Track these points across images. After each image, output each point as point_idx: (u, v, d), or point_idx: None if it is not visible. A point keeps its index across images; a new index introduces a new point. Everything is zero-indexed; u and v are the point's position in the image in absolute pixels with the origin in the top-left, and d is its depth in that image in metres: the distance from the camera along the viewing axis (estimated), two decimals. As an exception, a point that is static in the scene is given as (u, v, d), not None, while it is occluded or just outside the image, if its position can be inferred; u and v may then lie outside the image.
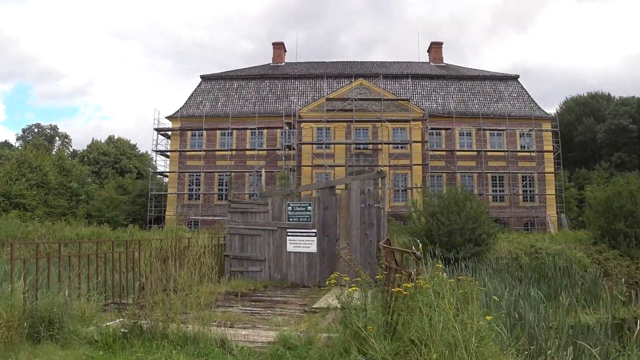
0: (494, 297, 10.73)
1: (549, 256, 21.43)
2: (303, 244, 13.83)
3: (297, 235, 13.89)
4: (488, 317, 5.55)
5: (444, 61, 48.11)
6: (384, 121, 38.16)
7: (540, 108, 42.24)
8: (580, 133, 61.67)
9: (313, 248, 13.74)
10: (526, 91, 43.16)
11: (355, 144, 38.29)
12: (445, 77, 43.65)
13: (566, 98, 66.95)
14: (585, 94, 65.20)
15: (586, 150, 62.79)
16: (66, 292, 8.25)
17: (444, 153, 40.14)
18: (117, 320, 8.43)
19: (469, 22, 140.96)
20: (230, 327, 8.30)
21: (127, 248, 10.60)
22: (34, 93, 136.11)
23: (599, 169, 54.82)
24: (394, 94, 40.65)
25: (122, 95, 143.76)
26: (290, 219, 13.98)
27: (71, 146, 73.15)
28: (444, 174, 39.83)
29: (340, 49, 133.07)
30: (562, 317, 12.03)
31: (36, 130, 73.00)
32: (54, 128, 73.74)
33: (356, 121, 38.39)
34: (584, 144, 62.07)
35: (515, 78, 43.85)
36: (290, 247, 13.93)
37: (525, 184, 40.66)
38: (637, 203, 22.86)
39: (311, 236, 13.77)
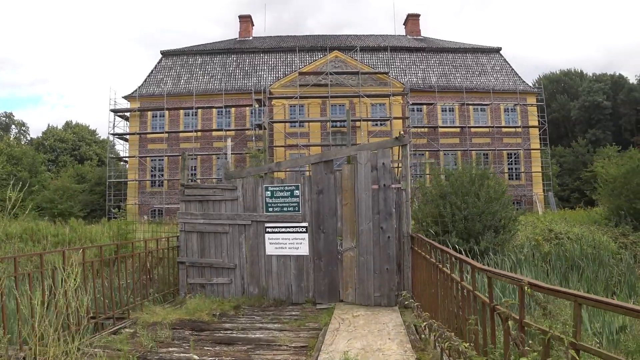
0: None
1: (570, 241, 17.48)
2: (289, 244, 9.30)
3: (280, 232, 9.34)
4: None
5: (422, 34, 43.73)
6: (361, 96, 33.71)
7: (524, 82, 38.41)
8: (554, 110, 58.57)
9: (304, 249, 9.22)
10: (509, 64, 39.23)
11: (332, 121, 33.73)
12: (425, 49, 39.30)
13: (539, 76, 63.73)
14: (558, 72, 62.00)
15: (559, 127, 59.92)
16: None
17: (426, 130, 35.97)
18: None
19: (436, 5, 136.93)
20: None
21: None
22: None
23: (576, 146, 52.08)
24: (371, 68, 36.16)
25: (84, 84, 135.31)
26: (270, 209, 9.42)
27: (29, 134, 66.61)
28: (427, 152, 35.70)
29: (308, 32, 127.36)
30: None
31: (-11, 117, 66.12)
32: (9, 116, 66.94)
33: (332, 97, 33.80)
34: (557, 121, 59.07)
35: (497, 50, 39.82)
36: (270, 249, 9.38)
37: (511, 161, 36.92)
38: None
39: (300, 232, 9.24)
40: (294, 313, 8.52)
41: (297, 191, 9.29)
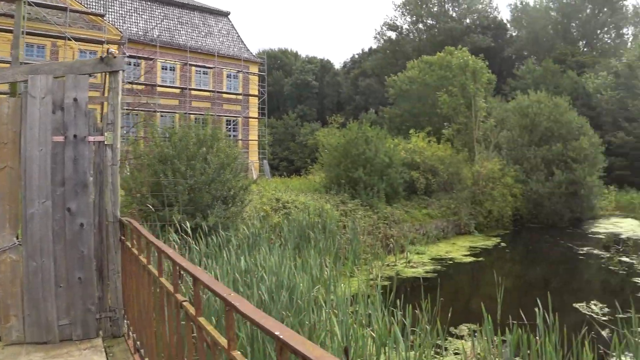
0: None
1: (298, 211, 16.31)
2: None
3: None
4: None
5: (145, -19, 38.23)
6: (68, 38, 27.18)
7: (249, 50, 36.98)
8: (269, 84, 59.90)
9: None
10: (236, 30, 37.24)
11: (26, 63, 26.45)
12: (148, -3, 34.29)
13: (259, 50, 64.46)
14: (276, 49, 63.87)
15: (273, 100, 61.80)
16: None
17: (142, 87, 31.35)
18: None
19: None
20: None
21: None
22: None
23: (286, 119, 54.57)
24: (85, 7, 29.67)
25: None
26: None
27: None
28: (142, 112, 31.18)
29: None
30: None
31: None
32: None
33: (28, 34, 26.38)
34: (271, 95, 60.76)
35: (226, 15, 37.34)
36: None
37: (230, 128, 35.21)
38: (374, 150, 19.88)
39: None
40: None
41: None
